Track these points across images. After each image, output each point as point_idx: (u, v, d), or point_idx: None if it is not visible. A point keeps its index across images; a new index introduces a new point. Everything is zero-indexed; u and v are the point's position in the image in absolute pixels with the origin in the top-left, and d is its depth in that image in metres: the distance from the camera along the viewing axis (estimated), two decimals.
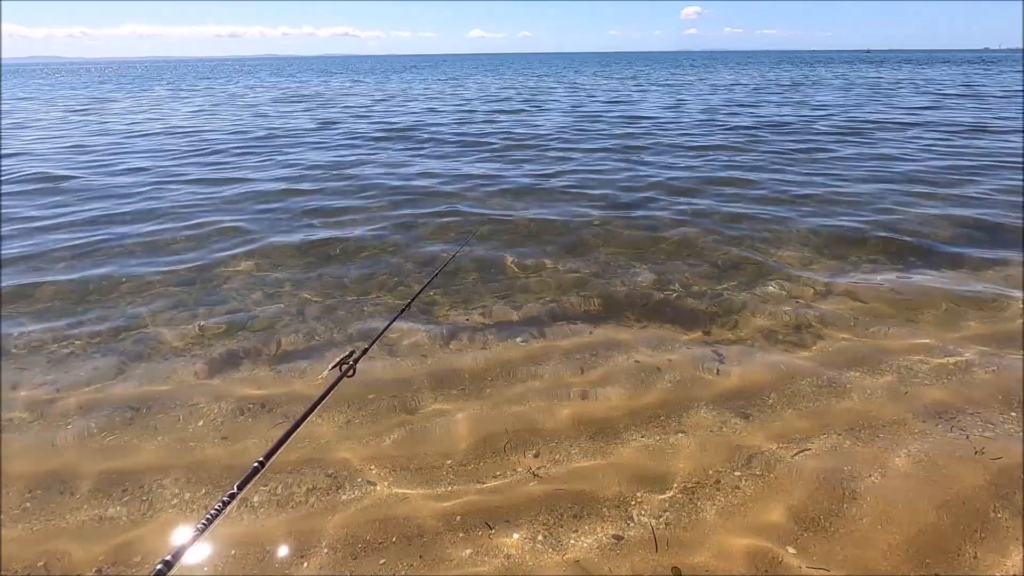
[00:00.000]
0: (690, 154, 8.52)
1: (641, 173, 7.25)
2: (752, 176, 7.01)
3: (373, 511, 1.97)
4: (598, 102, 17.40)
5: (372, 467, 2.18)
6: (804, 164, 7.77)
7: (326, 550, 1.81)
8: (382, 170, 7.69)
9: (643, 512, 1.96)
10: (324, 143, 10.14)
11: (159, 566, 0.48)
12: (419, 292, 1.84)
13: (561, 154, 8.55)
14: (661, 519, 1.93)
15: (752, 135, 10.31)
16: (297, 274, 4.14)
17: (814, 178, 6.89)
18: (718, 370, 2.84)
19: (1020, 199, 5.82)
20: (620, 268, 4.20)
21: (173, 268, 4.25)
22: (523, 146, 9.29)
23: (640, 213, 5.54)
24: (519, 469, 2.17)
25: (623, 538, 1.85)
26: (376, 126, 12.33)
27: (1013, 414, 2.43)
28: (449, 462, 2.21)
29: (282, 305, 3.63)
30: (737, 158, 8.22)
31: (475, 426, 2.42)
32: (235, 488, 0.61)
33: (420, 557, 1.79)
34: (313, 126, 12.56)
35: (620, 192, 6.32)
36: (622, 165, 7.76)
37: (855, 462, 2.17)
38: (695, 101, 17.50)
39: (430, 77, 38.23)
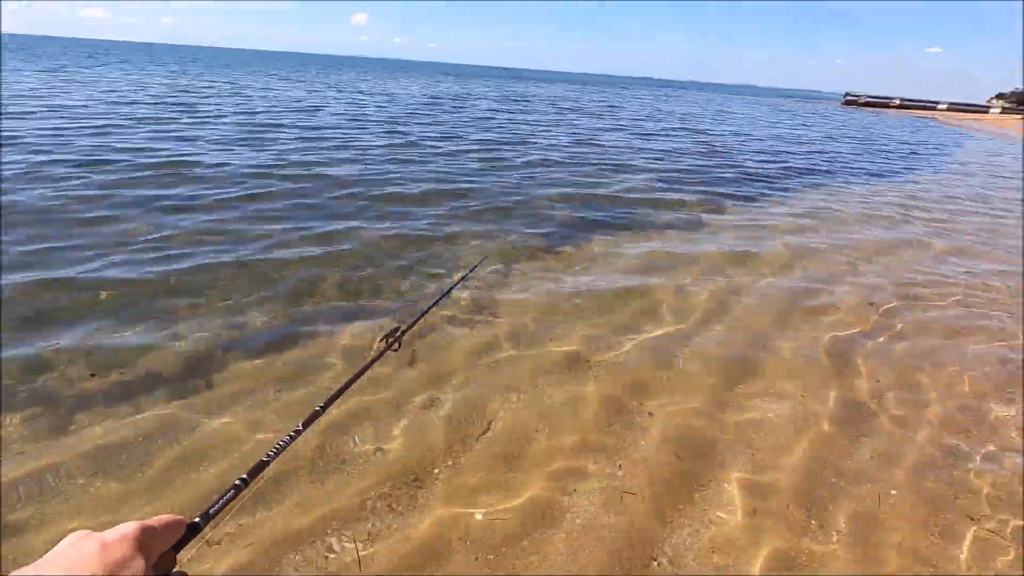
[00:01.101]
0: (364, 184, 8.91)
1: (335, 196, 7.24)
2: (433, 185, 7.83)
3: None
4: (273, 111, 16.29)
5: None
6: (484, 172, 9.09)
7: None
8: None
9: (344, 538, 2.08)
10: None
11: (237, 482, 0.57)
12: (463, 278, 1.91)
13: (231, 189, 7.74)
14: (366, 539, 2.08)
15: (432, 146, 11.42)
16: None
17: (484, 183, 8.16)
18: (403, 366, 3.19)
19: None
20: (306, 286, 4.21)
21: None
22: (187, 178, 8.02)
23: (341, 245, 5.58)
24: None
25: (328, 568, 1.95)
26: None
27: (623, 338, 3.51)
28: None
29: None
30: (415, 170, 9.01)
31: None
32: (300, 426, 0.72)
33: None
34: None
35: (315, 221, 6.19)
36: (302, 193, 7.54)
37: (521, 420, 2.79)
38: (375, 112, 18.18)
39: (25, 67, 28.47)
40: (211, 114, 13.87)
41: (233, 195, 6.45)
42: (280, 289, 4.08)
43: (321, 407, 0.76)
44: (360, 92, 26.43)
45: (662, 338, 3.71)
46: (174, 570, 0.46)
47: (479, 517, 2.18)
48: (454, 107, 21.68)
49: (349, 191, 7.03)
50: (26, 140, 8.79)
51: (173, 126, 11.37)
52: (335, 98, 21.85)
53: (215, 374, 3.02)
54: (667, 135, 17.01)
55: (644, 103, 35.63)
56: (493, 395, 2.98)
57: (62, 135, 9.42)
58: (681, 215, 7.12)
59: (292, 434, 0.69)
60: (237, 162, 8.26)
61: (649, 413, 2.90)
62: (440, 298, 1.50)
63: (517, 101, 28.42)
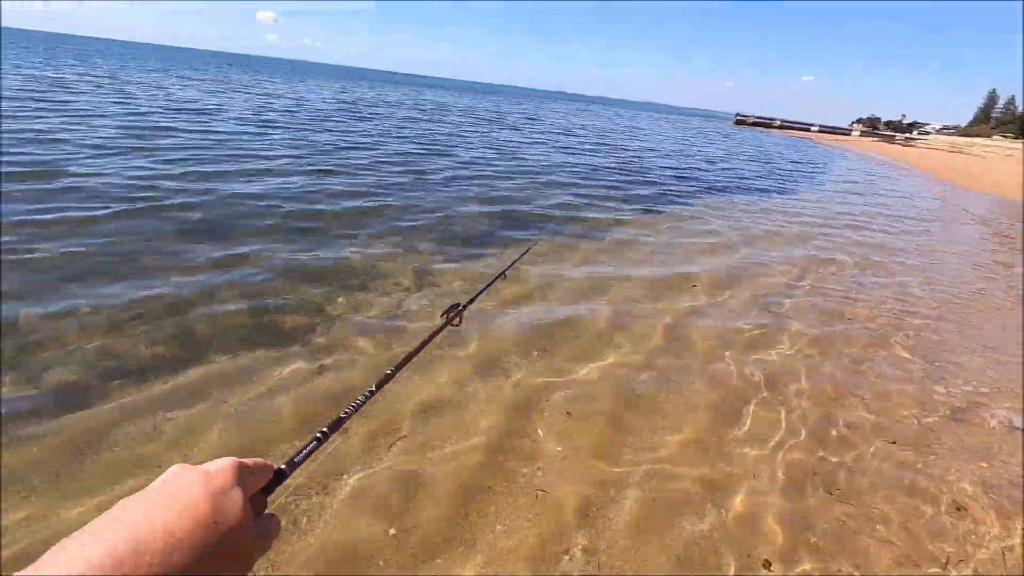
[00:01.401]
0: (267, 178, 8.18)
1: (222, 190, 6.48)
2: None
3: None
4: (163, 112, 14.60)
5: None
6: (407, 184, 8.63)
7: None
8: None
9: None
10: None
11: (318, 435, 0.60)
12: (519, 258, 1.84)
13: (108, 204, 6.73)
14: None
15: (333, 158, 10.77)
16: None
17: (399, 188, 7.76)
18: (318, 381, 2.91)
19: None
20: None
21: None
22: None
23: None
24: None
25: None
26: None
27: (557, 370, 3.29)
28: None
29: None
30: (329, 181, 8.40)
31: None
32: (374, 387, 0.74)
33: None
34: None
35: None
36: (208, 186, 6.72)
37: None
38: (284, 117, 17.03)
39: None
40: (86, 112, 12.20)
41: (110, 211, 5.55)
42: (170, 326, 3.46)
43: (392, 371, 0.78)
44: (267, 95, 24.74)
45: (585, 378, 3.56)
46: (265, 512, 0.46)
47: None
48: (370, 114, 20.90)
49: (255, 207, 6.33)
50: None
51: (36, 125, 9.80)
52: (237, 101, 20.23)
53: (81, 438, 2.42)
54: (587, 150, 17.42)
55: (560, 117, 36.64)
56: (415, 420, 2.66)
57: None
58: (606, 233, 7.13)
59: (368, 393, 0.73)
60: (115, 170, 7.21)
61: (573, 412, 2.71)
62: (498, 277, 1.45)
63: (436, 110, 28.06)
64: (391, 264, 4.96)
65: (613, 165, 14.34)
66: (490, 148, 14.63)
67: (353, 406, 0.69)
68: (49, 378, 2.78)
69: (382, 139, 13.92)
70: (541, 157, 14.06)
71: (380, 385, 0.75)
